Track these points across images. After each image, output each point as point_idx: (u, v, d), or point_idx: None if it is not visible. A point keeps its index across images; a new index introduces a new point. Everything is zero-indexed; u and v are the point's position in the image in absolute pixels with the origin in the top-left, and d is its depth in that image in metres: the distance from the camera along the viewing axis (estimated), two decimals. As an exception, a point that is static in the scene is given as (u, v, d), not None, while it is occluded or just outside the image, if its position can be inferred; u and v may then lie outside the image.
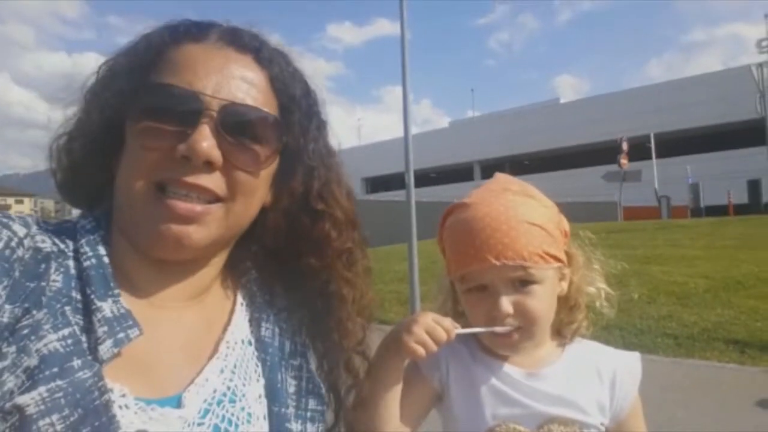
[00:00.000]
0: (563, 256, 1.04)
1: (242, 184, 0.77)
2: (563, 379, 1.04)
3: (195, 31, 0.80)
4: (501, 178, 1.10)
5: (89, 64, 0.82)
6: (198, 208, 0.73)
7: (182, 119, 0.73)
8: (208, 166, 0.73)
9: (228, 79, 0.76)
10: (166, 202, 0.72)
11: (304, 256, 0.90)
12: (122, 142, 0.76)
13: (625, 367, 1.09)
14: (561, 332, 1.10)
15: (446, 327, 0.97)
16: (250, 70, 0.79)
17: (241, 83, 0.77)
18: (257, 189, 0.80)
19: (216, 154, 0.73)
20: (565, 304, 1.08)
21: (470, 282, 1.03)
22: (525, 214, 0.99)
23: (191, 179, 0.72)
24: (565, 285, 1.07)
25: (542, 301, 1.01)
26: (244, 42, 0.81)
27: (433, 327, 0.97)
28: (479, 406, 1.03)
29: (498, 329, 1.01)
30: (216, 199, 0.75)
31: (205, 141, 0.72)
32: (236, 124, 0.75)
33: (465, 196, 1.07)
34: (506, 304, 0.99)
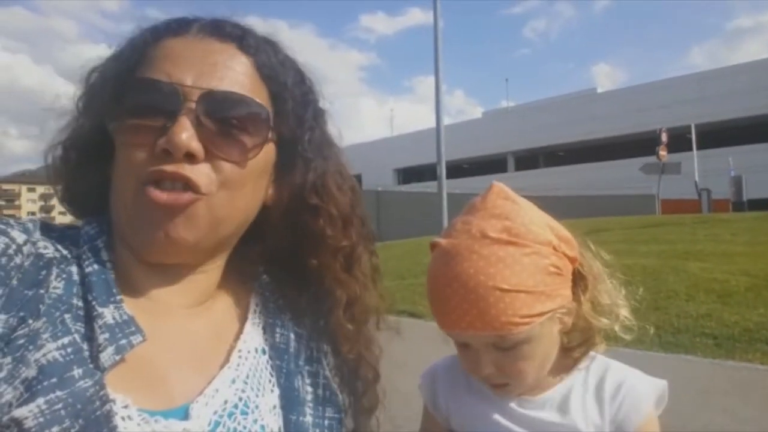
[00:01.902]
0: (558, 300, 0.90)
1: (227, 177, 0.73)
2: (561, 405, 0.95)
3: (175, 27, 0.77)
4: (489, 200, 0.94)
5: (86, 69, 0.80)
6: (183, 196, 0.70)
7: (162, 112, 0.70)
8: (190, 158, 0.69)
9: (210, 66, 0.73)
10: (150, 195, 0.69)
11: (306, 257, 0.87)
12: (114, 147, 0.74)
13: (632, 386, 0.95)
14: (570, 353, 0.99)
15: None
16: (233, 59, 0.76)
17: (224, 71, 0.74)
18: (244, 182, 0.75)
19: (196, 146, 0.69)
20: (575, 327, 0.96)
21: (451, 336, 0.95)
22: (498, 277, 0.85)
23: (171, 168, 0.69)
24: (569, 320, 0.94)
25: (530, 358, 0.90)
26: (226, 31, 0.78)
27: None
28: None
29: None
30: (198, 192, 0.71)
31: (184, 132, 0.68)
32: (219, 113, 0.72)
33: (449, 227, 0.95)
34: (486, 366, 0.91)
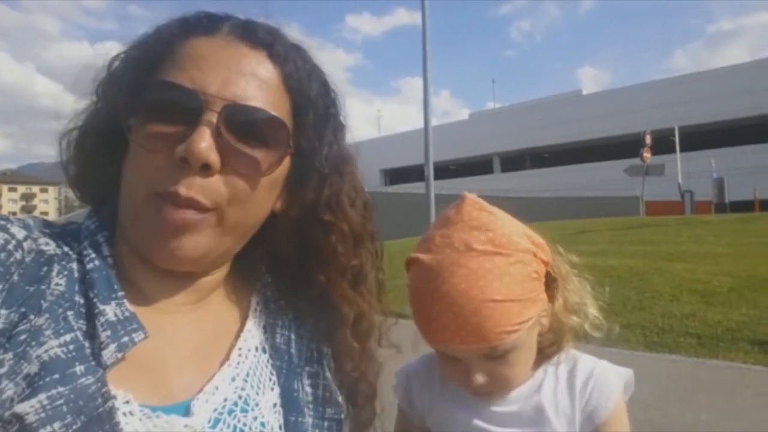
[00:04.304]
0: (540, 304, 0.93)
1: (239, 191, 0.72)
2: (533, 398, 0.97)
3: (206, 24, 0.75)
4: (465, 211, 0.94)
5: (110, 53, 0.79)
6: (192, 216, 0.68)
7: (182, 119, 0.68)
8: (205, 169, 0.68)
9: (236, 76, 0.71)
10: (161, 211, 0.68)
11: (314, 271, 0.86)
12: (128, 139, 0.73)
13: (600, 375, 0.98)
14: (542, 351, 1.00)
15: None
16: (261, 68, 0.74)
17: (250, 81, 0.72)
18: (256, 196, 0.75)
19: (214, 158, 0.67)
20: (549, 327, 0.99)
21: (439, 350, 0.95)
22: (489, 290, 0.86)
23: (184, 191, 0.67)
24: (546, 321, 0.98)
25: (517, 364, 0.93)
26: (257, 37, 0.76)
27: None
28: None
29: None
30: (206, 210, 0.70)
31: (204, 142, 0.67)
32: (239, 127, 0.70)
33: (427, 241, 0.94)
34: (478, 377, 0.92)
